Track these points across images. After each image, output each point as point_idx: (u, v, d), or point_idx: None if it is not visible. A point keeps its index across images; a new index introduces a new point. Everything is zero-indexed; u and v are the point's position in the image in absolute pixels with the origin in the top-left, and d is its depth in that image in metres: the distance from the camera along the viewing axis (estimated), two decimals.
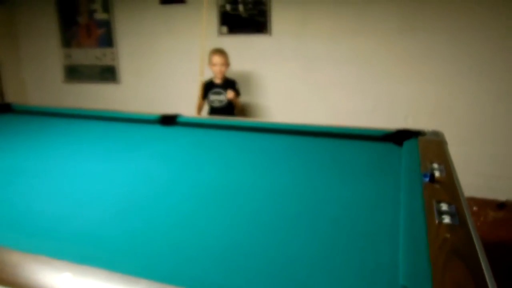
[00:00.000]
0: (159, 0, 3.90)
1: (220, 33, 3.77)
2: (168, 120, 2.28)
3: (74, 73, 4.50)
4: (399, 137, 1.91)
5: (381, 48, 3.34)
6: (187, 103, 4.04)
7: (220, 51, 3.23)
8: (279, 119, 3.80)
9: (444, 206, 1.13)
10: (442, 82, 3.27)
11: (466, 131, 3.27)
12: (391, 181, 1.41)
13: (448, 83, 3.26)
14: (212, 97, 3.29)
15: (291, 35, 3.56)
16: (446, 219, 1.05)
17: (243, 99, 3.67)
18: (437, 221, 1.03)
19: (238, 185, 1.39)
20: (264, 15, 3.58)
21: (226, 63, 3.24)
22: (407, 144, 1.79)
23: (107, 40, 4.28)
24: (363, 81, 3.45)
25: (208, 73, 3.34)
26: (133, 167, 1.58)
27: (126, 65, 4.26)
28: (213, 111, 3.30)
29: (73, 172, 1.50)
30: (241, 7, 3.63)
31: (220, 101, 3.27)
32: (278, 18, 3.56)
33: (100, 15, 4.24)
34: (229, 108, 3.29)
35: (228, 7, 3.68)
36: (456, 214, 1.08)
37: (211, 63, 3.22)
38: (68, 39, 4.43)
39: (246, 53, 3.74)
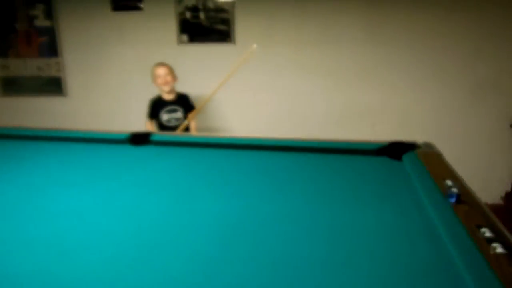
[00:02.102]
0: (111, 6, 3.60)
1: (180, 41, 3.55)
2: (140, 139, 2.04)
3: (12, 86, 4.03)
4: (395, 150, 1.83)
5: (346, 58, 3.32)
6: (142, 117, 3.77)
7: (162, 63, 2.93)
8: (246, 133, 3.66)
9: (487, 232, 1.03)
10: (407, 90, 3.31)
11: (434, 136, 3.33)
12: (410, 203, 1.30)
13: (412, 90, 3.30)
14: (167, 116, 2.94)
15: (256, 43, 3.42)
16: (499, 248, 0.95)
17: (207, 111, 3.48)
18: (491, 252, 0.93)
19: (247, 216, 1.21)
20: (227, 24, 3.42)
21: (172, 75, 2.91)
22: (407, 158, 1.71)
23: (50, 49, 3.88)
24: (329, 91, 3.41)
25: None
26: (115, 200, 1.34)
27: (73, 77, 3.88)
28: (164, 130, 2.95)
29: (40, 211, 1.23)
30: (202, 15, 3.45)
31: (177, 119, 2.95)
32: (242, 26, 3.42)
33: (41, 22, 3.83)
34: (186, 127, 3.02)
35: (188, 15, 3.47)
36: (504, 240, 0.99)
37: (154, 77, 2.90)
38: (4, 48, 3.96)
39: (209, 63, 3.55)
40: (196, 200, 1.35)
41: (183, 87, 3.65)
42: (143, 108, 3.73)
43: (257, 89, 3.54)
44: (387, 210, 1.26)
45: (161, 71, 2.87)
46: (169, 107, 2.94)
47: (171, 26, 3.52)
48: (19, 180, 1.52)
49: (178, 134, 2.51)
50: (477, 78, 3.19)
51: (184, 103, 2.99)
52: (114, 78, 3.78)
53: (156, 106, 2.94)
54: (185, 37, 3.53)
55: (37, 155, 1.86)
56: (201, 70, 3.56)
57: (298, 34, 3.35)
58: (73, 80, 3.89)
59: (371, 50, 3.27)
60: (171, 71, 2.91)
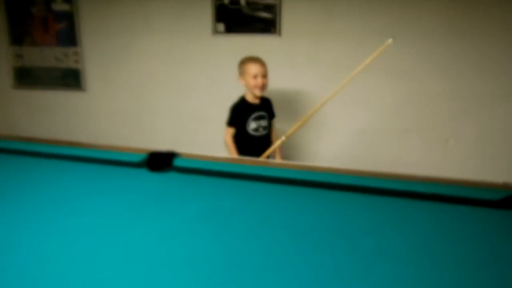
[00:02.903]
0: None
1: (216, 31, 3.00)
2: (159, 164, 1.50)
3: (26, 77, 3.60)
4: None
5: (421, 54, 2.67)
6: (172, 118, 3.26)
7: (259, 59, 2.31)
8: (290, 143, 3.09)
9: None
10: (494, 96, 2.64)
11: None
12: None
13: (501, 97, 2.63)
14: (254, 123, 2.30)
15: (307, 36, 2.84)
16: None
17: None
18: None
19: None
20: (272, 11, 2.84)
21: (267, 76, 2.30)
22: None
23: (69, 38, 3.41)
24: (397, 96, 2.77)
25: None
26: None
27: (93, 69, 3.41)
28: (251, 142, 2.31)
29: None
30: (242, 1, 2.87)
31: (265, 127, 2.35)
32: (290, 14, 2.83)
33: (60, 6, 3.37)
34: (269, 138, 2.41)
35: (225, 0, 2.91)
36: None
37: (246, 75, 2.24)
38: (19, 35, 3.52)
39: None
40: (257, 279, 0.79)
41: (216, 86, 3.12)
42: (170, 107, 3.24)
43: (307, 91, 2.95)
44: None
45: (258, 69, 2.23)
46: (257, 113, 2.31)
47: (206, 13, 2.97)
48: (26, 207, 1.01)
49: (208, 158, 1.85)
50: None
51: (269, 108, 2.41)
52: (139, 72, 3.28)
53: (243, 112, 2.29)
54: (221, 26, 2.97)
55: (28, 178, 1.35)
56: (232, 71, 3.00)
57: (361, 22, 2.72)
58: (93, 72, 3.41)
59: (454, 44, 2.62)
60: (267, 71, 2.30)
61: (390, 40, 2.05)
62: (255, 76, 2.21)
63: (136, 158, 1.53)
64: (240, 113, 2.28)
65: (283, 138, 2.18)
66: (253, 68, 2.22)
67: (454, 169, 2.77)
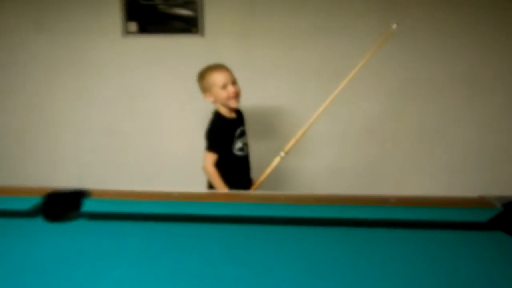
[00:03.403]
0: None
1: (127, 31, 2.57)
2: (61, 209, 1.09)
3: None
4: None
5: (353, 56, 2.51)
6: (76, 136, 2.73)
7: (221, 65, 1.94)
8: None
9: None
10: (427, 98, 2.60)
11: (466, 157, 2.67)
12: None
13: (433, 99, 2.60)
14: (240, 142, 1.93)
15: (234, 36, 2.55)
16: None
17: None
18: None
19: None
20: (193, 8, 2.50)
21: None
22: None
23: None
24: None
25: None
26: None
27: None
28: (236, 165, 1.93)
29: None
30: None
31: (247, 144, 1.99)
32: (214, 11, 2.52)
33: None
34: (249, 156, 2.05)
35: None
36: None
37: (213, 87, 1.85)
38: None
39: (166, 62, 2.61)
40: None
41: (128, 96, 2.69)
42: (74, 122, 2.71)
43: None
44: None
45: (226, 77, 1.85)
46: (239, 129, 1.93)
47: (114, 11, 2.54)
48: None
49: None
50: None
51: (243, 121, 2.01)
52: (32, 80, 2.71)
53: (226, 130, 1.89)
54: (133, 26, 2.55)
55: None
56: (155, 72, 2.62)
57: (294, 23, 2.51)
58: None
59: (387, 45, 2.52)
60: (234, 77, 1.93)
61: (394, 26, 1.83)
62: (224, 86, 1.84)
63: (26, 204, 1.10)
64: (223, 133, 1.87)
65: (282, 154, 1.86)
66: (219, 77, 1.85)
67: (392, 171, 2.69)
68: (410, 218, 1.16)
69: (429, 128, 2.64)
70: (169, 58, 2.60)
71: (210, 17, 2.51)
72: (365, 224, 1.15)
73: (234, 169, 1.90)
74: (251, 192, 1.79)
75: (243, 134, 1.95)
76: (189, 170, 2.77)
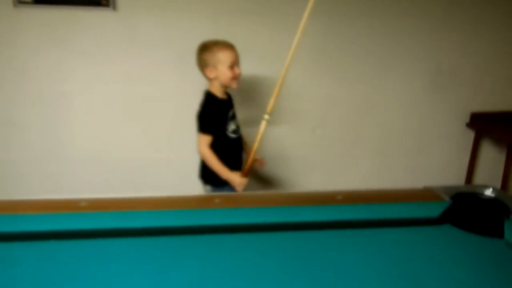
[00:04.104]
0: None
1: (19, 1, 2.14)
2: None
3: None
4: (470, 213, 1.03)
5: (280, 37, 2.37)
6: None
7: (230, 43, 1.78)
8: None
9: None
10: (354, 82, 2.57)
11: (386, 135, 2.70)
12: None
13: (360, 82, 2.58)
14: (233, 124, 1.85)
15: (152, 10, 2.25)
16: None
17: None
18: None
19: None
20: None
21: None
22: None
23: None
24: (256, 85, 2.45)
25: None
26: None
27: None
28: (230, 147, 1.85)
29: None
30: None
31: (239, 127, 1.92)
32: None
33: None
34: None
35: None
36: None
37: (220, 64, 1.73)
38: None
39: (69, 39, 2.24)
40: None
41: (24, 77, 2.27)
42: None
43: (155, 84, 2.38)
44: None
45: (235, 57, 1.76)
46: (231, 111, 1.86)
47: None
48: None
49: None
50: (433, 69, 2.62)
51: (233, 104, 1.92)
52: None
53: (219, 112, 1.80)
54: None
55: None
56: (55, 52, 2.24)
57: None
58: None
59: (315, 28, 2.42)
60: None
61: None
62: (231, 66, 1.74)
63: None
64: (217, 114, 1.79)
65: (267, 116, 1.75)
66: (228, 56, 1.73)
67: (322, 156, 2.66)
68: (360, 218, 1.07)
69: (356, 112, 2.62)
70: (73, 34, 2.23)
71: None
72: (313, 227, 1.03)
73: (228, 151, 1.83)
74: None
75: (234, 116, 1.88)
76: (102, 164, 2.47)
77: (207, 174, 1.84)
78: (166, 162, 2.51)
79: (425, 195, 1.17)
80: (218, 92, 1.81)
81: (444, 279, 0.84)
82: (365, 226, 1.04)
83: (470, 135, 2.78)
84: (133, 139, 2.46)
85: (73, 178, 2.45)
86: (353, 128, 2.65)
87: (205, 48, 1.78)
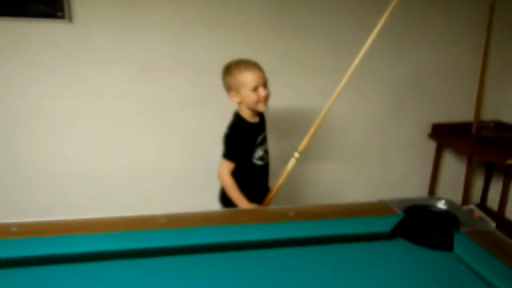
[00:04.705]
0: None
1: None
2: None
3: None
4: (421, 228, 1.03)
5: (241, 47, 2.36)
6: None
7: (253, 62, 1.62)
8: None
9: None
10: (313, 92, 2.58)
11: (345, 147, 2.71)
12: None
13: (319, 93, 2.59)
14: (260, 150, 1.70)
15: (108, 24, 2.20)
16: None
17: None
18: None
19: None
20: None
21: None
22: (465, 249, 0.93)
23: None
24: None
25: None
26: None
27: None
28: (255, 175, 1.72)
29: None
30: None
31: (268, 152, 1.77)
32: None
33: None
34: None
35: None
36: None
37: (243, 88, 1.58)
38: None
39: (23, 53, 2.16)
40: None
41: None
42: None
43: (112, 98, 2.31)
44: None
45: (259, 77, 1.58)
46: (261, 136, 1.70)
47: None
48: None
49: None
50: (394, 81, 2.66)
51: (265, 126, 1.77)
52: None
53: (247, 138, 1.65)
54: None
55: None
56: (8, 65, 2.15)
57: (178, 11, 2.25)
58: None
59: (276, 38, 2.42)
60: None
61: None
62: (255, 88, 1.57)
63: None
64: (244, 140, 1.65)
65: (296, 155, 1.67)
66: (250, 78, 1.56)
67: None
68: (312, 235, 1.04)
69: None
70: (28, 48, 2.15)
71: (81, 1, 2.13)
72: (263, 246, 0.99)
73: (252, 179, 1.70)
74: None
75: (264, 141, 1.73)
76: (57, 180, 2.37)
77: (226, 200, 1.70)
78: (121, 178, 2.43)
79: (379, 208, 1.16)
80: (247, 115, 1.66)
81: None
82: (317, 243, 1.02)
83: (432, 146, 2.83)
84: (88, 154, 2.37)
85: (25, 195, 2.34)
86: (314, 140, 2.65)
87: (226, 71, 1.65)
